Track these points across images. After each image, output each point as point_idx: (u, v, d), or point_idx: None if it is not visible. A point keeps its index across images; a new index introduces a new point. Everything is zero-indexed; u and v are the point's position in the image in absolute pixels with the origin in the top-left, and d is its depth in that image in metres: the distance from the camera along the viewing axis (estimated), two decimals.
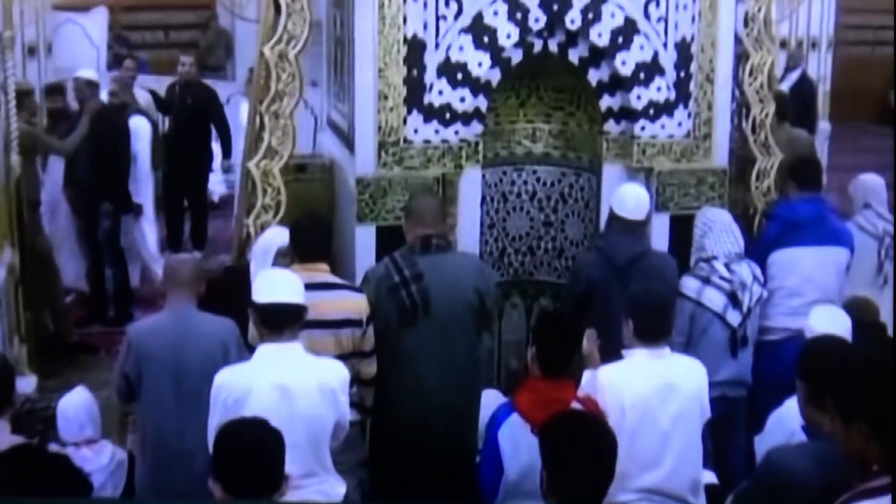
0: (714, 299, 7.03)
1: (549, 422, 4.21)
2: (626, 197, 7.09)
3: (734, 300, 7.04)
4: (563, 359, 5.67)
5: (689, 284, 7.07)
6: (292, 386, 5.34)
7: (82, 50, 15.59)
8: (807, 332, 6.20)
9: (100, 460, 6.30)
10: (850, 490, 3.98)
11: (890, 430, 3.92)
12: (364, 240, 7.29)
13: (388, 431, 6.45)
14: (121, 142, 10.81)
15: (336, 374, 5.53)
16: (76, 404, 6.50)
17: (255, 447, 4.16)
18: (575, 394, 5.66)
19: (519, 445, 5.49)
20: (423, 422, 6.30)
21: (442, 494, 5.99)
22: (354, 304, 6.24)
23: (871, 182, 8.65)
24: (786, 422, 5.48)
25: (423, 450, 6.29)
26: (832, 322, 6.22)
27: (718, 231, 7.19)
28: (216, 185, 14.64)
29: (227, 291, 6.69)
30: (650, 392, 5.61)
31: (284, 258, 6.64)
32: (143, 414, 6.25)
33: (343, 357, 5.90)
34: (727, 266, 7.08)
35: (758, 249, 7.54)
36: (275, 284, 5.55)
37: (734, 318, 7.05)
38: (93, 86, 10.82)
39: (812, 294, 7.47)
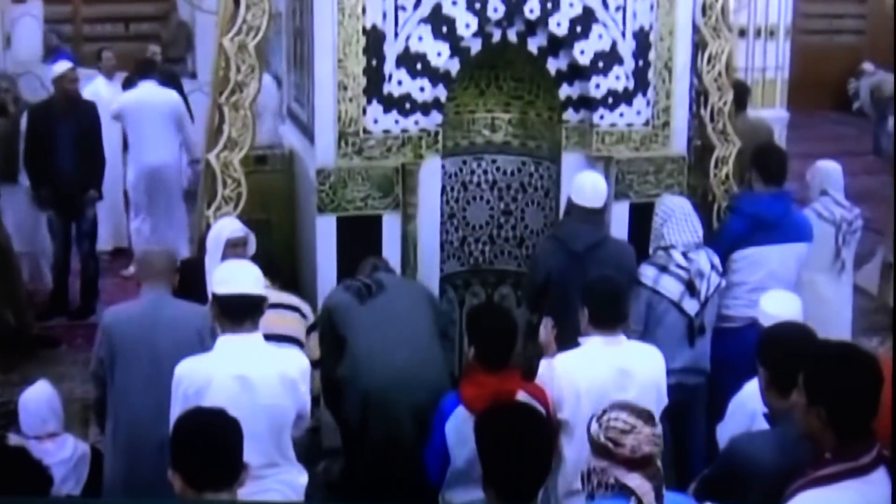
0: (671, 287, 7.05)
1: (482, 415, 4.23)
2: (584, 185, 7.13)
3: (691, 289, 7.06)
4: (500, 351, 5.71)
5: (647, 272, 7.10)
6: (253, 376, 5.35)
7: (37, 42, 15.65)
8: (760, 318, 6.27)
9: (62, 454, 6.28)
10: (803, 477, 4.05)
11: (846, 419, 3.98)
12: (325, 230, 7.30)
13: (355, 410, 6.48)
14: (98, 132, 10.76)
15: (297, 364, 5.56)
16: (38, 398, 6.48)
17: (213, 436, 4.16)
18: (520, 384, 5.70)
19: (465, 437, 5.49)
20: (388, 395, 6.30)
21: (407, 475, 6.01)
22: (296, 323, 6.49)
23: (828, 169, 8.70)
24: (746, 405, 5.53)
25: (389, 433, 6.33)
26: (785, 305, 6.30)
27: (678, 220, 7.21)
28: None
29: (181, 285, 6.69)
30: (606, 379, 5.65)
31: (234, 249, 6.66)
32: (115, 401, 6.21)
33: None
34: (685, 255, 7.10)
35: (721, 242, 7.55)
36: (234, 276, 5.56)
37: (691, 306, 7.08)
38: (74, 77, 10.82)
39: (773, 287, 7.53)
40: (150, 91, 11.53)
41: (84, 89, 11.50)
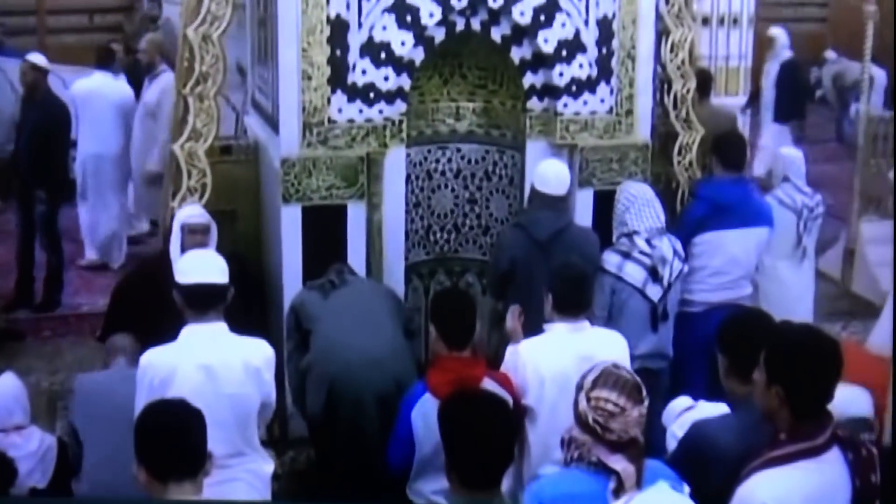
0: (634, 274, 7.10)
1: (445, 402, 4.25)
2: (547, 173, 7.16)
3: (654, 275, 7.11)
4: (464, 332, 5.72)
5: (610, 259, 7.14)
6: (217, 366, 5.37)
7: None
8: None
9: (28, 446, 6.25)
10: (759, 457, 4.09)
11: (803, 399, 4.03)
12: (290, 220, 7.29)
13: (317, 397, 6.49)
14: (56, 127, 10.73)
15: (261, 352, 5.57)
16: (4, 390, 6.44)
17: (175, 427, 4.17)
18: (486, 371, 5.73)
19: (432, 424, 5.46)
20: (350, 385, 6.32)
21: (375, 462, 6.03)
22: None
23: (790, 156, 8.77)
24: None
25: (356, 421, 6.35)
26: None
27: (639, 206, 7.25)
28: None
29: (152, 280, 6.69)
30: (570, 364, 5.63)
31: (194, 236, 6.66)
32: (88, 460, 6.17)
33: None
34: (648, 241, 7.15)
35: (682, 228, 7.63)
36: (197, 265, 5.57)
37: (654, 292, 7.13)
38: (39, 70, 10.80)
39: (734, 272, 7.65)
40: (101, 81, 11.53)
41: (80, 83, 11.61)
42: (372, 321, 6.46)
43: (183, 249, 6.78)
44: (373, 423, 6.20)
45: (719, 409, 5.16)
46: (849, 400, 4.69)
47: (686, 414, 5.43)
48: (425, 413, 5.59)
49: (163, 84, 11.33)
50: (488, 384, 5.58)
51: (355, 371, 6.27)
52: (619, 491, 4.18)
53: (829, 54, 20.64)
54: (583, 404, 4.23)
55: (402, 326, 6.64)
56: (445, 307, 5.91)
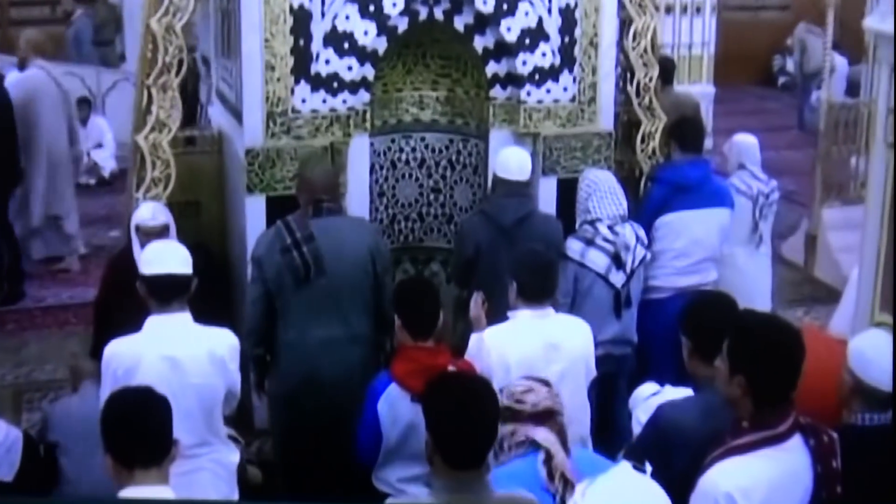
0: (597, 260, 7.12)
1: (430, 384, 4.26)
2: (508, 159, 7.20)
3: (617, 261, 7.14)
4: (427, 321, 5.72)
5: (573, 246, 7.16)
6: (181, 356, 5.38)
7: None
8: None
9: None
10: (721, 446, 4.13)
11: (765, 388, 4.07)
12: (254, 210, 7.28)
13: (283, 393, 6.52)
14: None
15: (225, 342, 5.58)
16: None
17: (140, 414, 4.17)
18: (450, 358, 5.74)
19: (398, 414, 5.56)
20: (315, 380, 6.35)
21: (337, 452, 6.04)
22: None
23: (745, 143, 8.82)
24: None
25: (317, 408, 6.34)
26: None
27: (602, 193, 7.28)
28: (107, 160, 14.54)
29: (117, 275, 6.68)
30: (535, 351, 5.70)
31: (148, 238, 6.59)
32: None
33: None
34: (611, 228, 7.18)
35: (644, 212, 7.67)
36: (161, 256, 5.57)
37: (617, 278, 7.16)
38: None
39: (698, 254, 7.68)
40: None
41: None
42: (339, 319, 6.43)
43: (141, 249, 6.77)
44: (337, 412, 6.19)
45: (685, 394, 5.21)
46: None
47: (652, 399, 5.47)
48: (391, 403, 5.60)
49: (28, 84, 11.13)
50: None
51: (319, 376, 6.32)
52: (549, 461, 4.45)
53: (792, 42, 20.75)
54: (500, 400, 4.37)
55: (372, 307, 6.58)
56: (408, 296, 5.90)
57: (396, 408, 5.58)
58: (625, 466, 3.81)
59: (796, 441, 4.09)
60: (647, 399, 5.58)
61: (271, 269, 6.41)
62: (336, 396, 6.24)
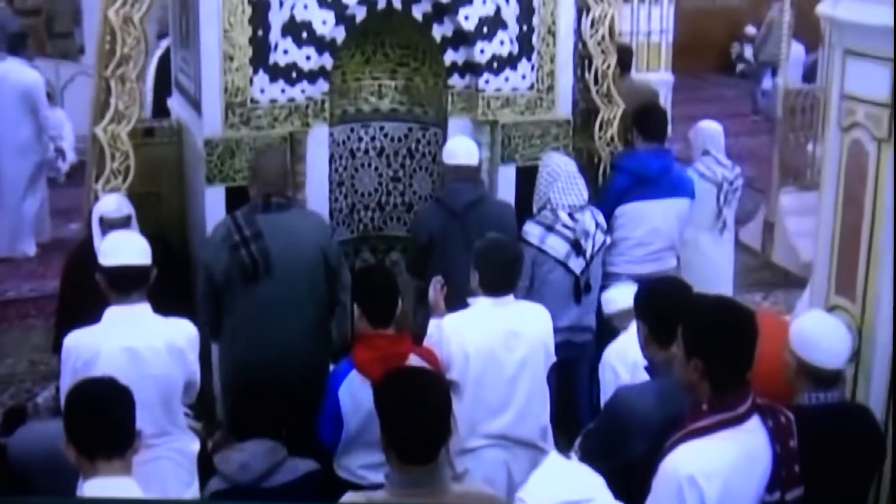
0: (556, 246, 7.16)
1: (381, 380, 4.27)
2: (455, 145, 7.30)
3: (577, 248, 7.17)
4: (386, 308, 5.75)
5: (532, 231, 7.20)
6: (140, 347, 5.39)
7: None
8: (604, 306, 6.49)
9: None
10: (682, 429, 4.17)
11: (722, 370, 4.11)
12: (214, 201, 7.26)
13: (236, 388, 6.50)
14: None
15: (184, 333, 5.59)
16: None
17: (103, 405, 4.17)
18: (411, 346, 5.77)
19: (360, 401, 5.57)
20: (264, 373, 6.34)
21: (297, 444, 6.04)
22: None
23: (710, 129, 8.87)
24: (608, 364, 5.73)
25: (273, 400, 6.32)
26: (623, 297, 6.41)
27: (563, 183, 7.31)
28: (67, 152, 14.44)
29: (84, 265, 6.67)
30: (494, 339, 5.73)
31: (111, 229, 6.59)
32: None
33: None
34: (571, 215, 7.21)
35: (605, 200, 7.71)
36: (119, 247, 5.56)
37: (577, 264, 7.20)
38: None
39: (657, 243, 7.74)
40: (9, 67, 11.41)
41: None
42: (290, 315, 6.42)
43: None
44: (290, 408, 6.14)
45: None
46: (830, 347, 4.77)
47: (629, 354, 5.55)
48: (352, 390, 5.62)
49: None
50: (414, 360, 5.63)
51: (269, 371, 6.30)
52: None
53: (749, 30, 20.88)
54: None
55: (325, 301, 6.60)
56: (367, 285, 5.92)
57: (357, 395, 5.60)
58: (554, 457, 3.87)
59: (755, 422, 4.14)
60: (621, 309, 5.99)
61: (219, 265, 6.41)
62: (289, 389, 6.19)
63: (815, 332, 4.70)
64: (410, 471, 4.06)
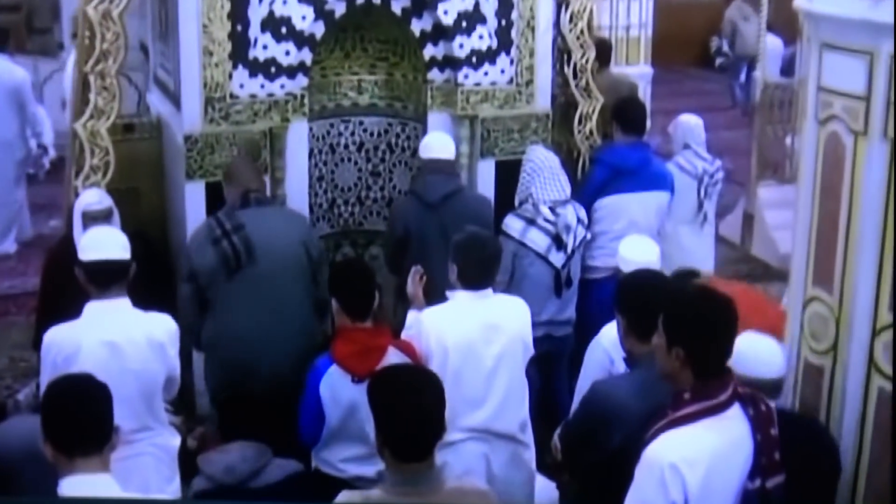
0: (537, 240, 7.17)
1: (376, 378, 4.28)
2: (430, 140, 7.35)
3: (558, 242, 7.19)
4: (364, 301, 5.76)
5: (513, 224, 7.21)
6: (121, 341, 5.39)
7: None
8: (620, 264, 6.47)
9: None
10: (664, 418, 4.19)
11: (703, 358, 4.14)
12: (194, 196, 7.28)
13: (223, 388, 6.51)
14: None
15: (164, 327, 5.60)
16: None
17: (80, 402, 4.15)
18: (390, 339, 5.78)
19: (339, 396, 5.60)
20: (250, 368, 6.37)
21: (279, 438, 6.05)
22: None
23: (690, 123, 8.89)
24: (597, 353, 5.73)
25: (256, 396, 6.32)
26: (644, 250, 6.48)
27: (545, 178, 7.31)
28: (49, 148, 14.41)
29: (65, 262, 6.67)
30: (473, 332, 5.74)
31: (95, 222, 6.61)
32: None
33: None
34: (552, 209, 7.23)
35: (584, 193, 7.73)
36: (99, 242, 5.57)
37: (557, 259, 7.21)
38: None
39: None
40: None
41: None
42: (275, 307, 6.44)
43: None
44: (273, 403, 6.12)
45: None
46: (764, 359, 4.84)
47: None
48: (332, 384, 5.63)
49: None
50: (393, 353, 5.65)
51: (255, 366, 6.32)
52: None
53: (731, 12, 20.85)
54: None
55: (308, 286, 6.61)
56: (344, 278, 5.92)
57: (337, 389, 5.61)
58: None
59: (736, 410, 4.15)
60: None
61: (203, 260, 6.44)
62: (275, 384, 6.23)
63: (749, 348, 4.77)
64: (406, 469, 4.07)
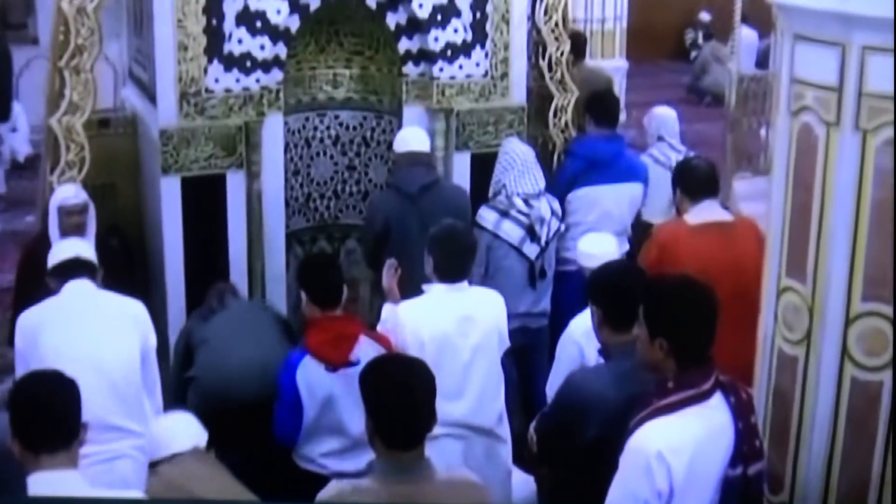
0: (511, 232, 7.20)
1: (368, 367, 4.27)
2: (404, 133, 7.40)
3: (532, 233, 7.21)
4: (332, 290, 5.78)
5: (487, 216, 7.23)
6: (88, 317, 5.55)
7: None
8: (580, 259, 6.49)
9: None
10: (647, 407, 4.21)
11: (686, 348, 4.16)
12: (169, 191, 7.28)
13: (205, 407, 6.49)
14: None
15: (132, 305, 5.76)
16: None
17: (45, 398, 4.14)
18: (362, 327, 5.80)
19: (315, 386, 5.61)
20: (235, 393, 6.26)
21: (255, 440, 6.05)
22: None
23: (664, 115, 8.94)
24: (569, 346, 5.76)
25: (231, 400, 6.30)
26: (602, 245, 6.49)
27: (519, 172, 7.33)
28: (22, 144, 14.39)
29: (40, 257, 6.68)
30: (449, 325, 5.76)
31: (70, 217, 6.63)
32: None
33: None
34: (526, 201, 7.25)
35: (558, 185, 7.75)
36: (66, 248, 5.82)
37: (531, 250, 7.24)
38: None
39: (609, 228, 7.73)
40: None
41: None
42: (253, 332, 6.41)
43: (61, 230, 6.79)
44: (254, 425, 6.08)
45: None
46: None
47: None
48: (307, 375, 5.63)
49: None
50: (365, 342, 5.68)
51: (235, 378, 6.21)
52: None
53: (703, 16, 20.99)
54: None
55: (284, 333, 6.57)
56: (311, 270, 5.97)
57: (313, 379, 5.62)
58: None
59: (718, 399, 4.18)
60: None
61: (193, 334, 6.50)
62: (250, 387, 6.15)
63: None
64: (396, 457, 4.08)
